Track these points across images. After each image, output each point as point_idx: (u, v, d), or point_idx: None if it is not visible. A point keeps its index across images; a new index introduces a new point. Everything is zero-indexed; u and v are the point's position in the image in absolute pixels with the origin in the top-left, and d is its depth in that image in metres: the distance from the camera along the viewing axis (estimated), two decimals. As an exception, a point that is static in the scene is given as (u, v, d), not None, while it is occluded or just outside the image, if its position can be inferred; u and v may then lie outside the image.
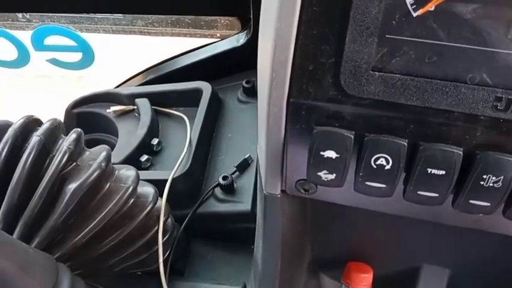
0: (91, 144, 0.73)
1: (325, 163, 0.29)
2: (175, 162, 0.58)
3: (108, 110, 0.68)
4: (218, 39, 0.74)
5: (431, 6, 0.24)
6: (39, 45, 0.73)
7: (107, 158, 0.45)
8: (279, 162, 0.33)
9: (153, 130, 0.64)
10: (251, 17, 0.63)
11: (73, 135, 0.45)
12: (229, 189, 0.56)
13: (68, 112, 0.71)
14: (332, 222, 0.44)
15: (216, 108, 0.67)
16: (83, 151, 0.46)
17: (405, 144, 0.27)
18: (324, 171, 0.30)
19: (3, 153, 0.43)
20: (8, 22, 0.78)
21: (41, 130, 0.44)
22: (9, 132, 0.44)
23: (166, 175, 0.55)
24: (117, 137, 0.67)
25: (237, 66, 0.69)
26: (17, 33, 0.74)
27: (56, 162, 0.43)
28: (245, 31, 0.68)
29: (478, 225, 0.32)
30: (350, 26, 0.25)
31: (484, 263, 0.44)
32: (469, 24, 0.24)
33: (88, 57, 0.75)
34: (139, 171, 0.58)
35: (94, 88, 0.72)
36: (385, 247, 0.47)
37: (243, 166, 0.58)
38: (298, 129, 0.29)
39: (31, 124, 0.45)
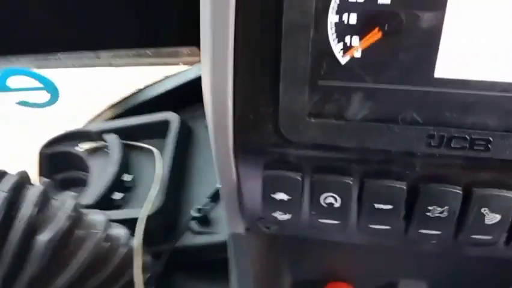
0: (66, 182, 0.74)
1: (278, 205, 0.30)
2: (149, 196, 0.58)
3: (78, 148, 0.68)
4: (185, 67, 0.74)
5: (354, 52, 0.25)
6: (2, 87, 0.73)
7: (75, 207, 0.45)
8: (236, 204, 0.33)
9: (124, 166, 0.64)
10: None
11: (39, 186, 0.45)
12: (204, 221, 0.56)
13: (41, 153, 0.70)
14: (305, 250, 0.45)
15: (185, 138, 0.67)
16: (50, 201, 0.46)
17: (350, 182, 0.28)
18: (279, 212, 0.31)
19: (-32, 213, 0.43)
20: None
21: (6, 185, 0.44)
22: (-28, 191, 0.43)
23: (139, 213, 0.55)
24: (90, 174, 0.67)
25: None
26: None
27: (24, 216, 0.43)
28: (208, 59, 0.68)
29: (436, 248, 0.33)
30: (282, 77, 0.25)
31: (458, 275, 0.45)
32: (396, 66, 0.25)
33: (53, 95, 0.75)
34: (112, 211, 0.59)
35: (64, 124, 0.72)
36: (362, 266, 0.48)
37: (216, 196, 0.58)
38: (248, 173, 0.30)
39: (-6, 179, 0.45)
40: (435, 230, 0.28)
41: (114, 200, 0.61)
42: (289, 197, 0.29)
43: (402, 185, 0.27)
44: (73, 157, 0.69)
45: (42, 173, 0.73)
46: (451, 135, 0.25)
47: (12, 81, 0.76)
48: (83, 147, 0.68)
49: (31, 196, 0.44)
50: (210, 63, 0.26)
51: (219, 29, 0.25)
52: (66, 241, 0.45)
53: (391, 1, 0.23)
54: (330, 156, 0.28)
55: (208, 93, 0.27)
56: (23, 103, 0.84)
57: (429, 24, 0.23)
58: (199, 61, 0.77)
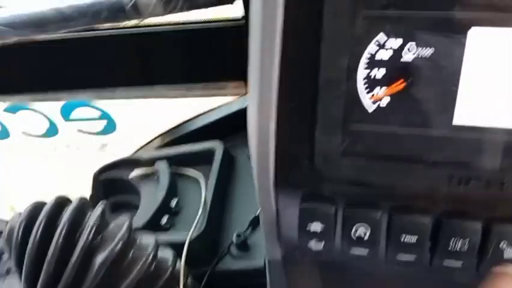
0: (118, 206, 0.79)
1: (312, 234, 0.33)
2: (194, 221, 0.62)
3: (130, 176, 0.74)
4: (230, 98, 0.80)
5: (381, 101, 0.28)
6: (67, 117, 0.82)
7: (129, 229, 0.50)
8: (275, 232, 0.37)
9: (172, 191, 0.69)
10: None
11: (98, 211, 0.50)
12: (243, 246, 0.59)
13: (95, 179, 0.77)
14: (339, 276, 0.47)
15: (228, 166, 0.71)
16: (108, 224, 0.51)
17: (379, 215, 0.31)
18: (313, 241, 0.34)
19: (38, 233, 0.48)
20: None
21: (70, 209, 0.50)
22: (42, 214, 0.49)
23: (184, 236, 0.59)
24: (140, 199, 0.73)
25: (246, 124, 0.74)
26: (45, 108, 0.83)
27: (85, 238, 0.48)
28: (251, 93, 0.73)
29: (460, 279, 0.35)
30: (318, 122, 0.29)
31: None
32: (418, 113, 0.28)
33: (110, 125, 0.82)
34: (160, 233, 0.63)
35: (119, 151, 0.79)
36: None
37: (256, 222, 0.61)
38: (286, 205, 0.34)
39: (61, 204, 0.51)
40: (458, 261, 0.31)
41: (162, 223, 0.65)
42: (323, 228, 0.32)
43: (427, 220, 0.30)
44: (125, 183, 0.75)
45: (95, 196, 0.79)
46: (469, 176, 0.28)
47: (75, 112, 0.85)
48: (134, 173, 0.73)
49: (91, 220, 0.50)
50: (256, 109, 0.30)
51: (266, 84, 0.29)
52: (119, 260, 0.50)
53: (413, 59, 0.26)
54: (361, 191, 0.31)
55: (254, 134, 0.31)
56: (81, 131, 0.93)
57: (447, 78, 0.26)
58: (244, 94, 0.82)
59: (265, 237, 0.38)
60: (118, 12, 0.46)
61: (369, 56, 0.27)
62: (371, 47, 0.27)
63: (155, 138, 0.82)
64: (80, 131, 0.85)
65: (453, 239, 0.29)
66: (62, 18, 0.46)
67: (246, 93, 0.75)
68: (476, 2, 0.25)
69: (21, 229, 0.50)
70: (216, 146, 0.71)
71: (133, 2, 0.44)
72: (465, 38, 0.25)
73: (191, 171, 0.71)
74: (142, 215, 0.66)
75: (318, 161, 0.30)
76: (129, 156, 0.77)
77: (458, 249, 0.30)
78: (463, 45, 0.26)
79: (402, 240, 0.30)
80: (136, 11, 0.46)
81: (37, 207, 0.51)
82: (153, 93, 0.77)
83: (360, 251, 0.32)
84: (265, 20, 0.27)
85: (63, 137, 0.87)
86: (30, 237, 0.48)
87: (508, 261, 0.29)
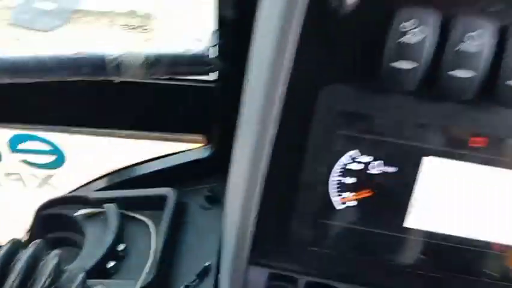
0: (58, 242, 0.77)
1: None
2: (141, 267, 0.63)
3: (76, 214, 0.72)
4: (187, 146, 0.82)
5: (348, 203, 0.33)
6: (14, 148, 0.79)
7: (83, 281, 0.50)
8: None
9: (119, 236, 0.68)
10: (214, 135, 0.72)
11: (53, 261, 0.49)
12: (191, 298, 0.61)
13: (38, 214, 0.74)
14: None
15: (179, 215, 0.73)
16: (62, 272, 0.51)
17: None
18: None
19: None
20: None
21: (24, 257, 0.48)
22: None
23: (131, 285, 0.59)
24: (84, 238, 0.71)
25: (200, 175, 0.76)
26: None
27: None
28: (209, 145, 0.77)
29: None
30: (294, 216, 0.33)
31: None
32: (375, 217, 0.33)
33: (59, 159, 0.80)
34: (106, 280, 0.63)
35: (63, 187, 0.77)
36: None
37: (203, 274, 0.64)
38: (255, 282, 0.37)
39: (15, 250, 0.49)
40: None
41: (107, 268, 0.65)
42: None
43: None
44: (69, 220, 0.73)
45: (34, 230, 0.76)
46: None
47: (23, 144, 0.82)
48: (81, 212, 0.72)
49: (46, 270, 0.49)
50: (242, 196, 0.33)
51: (253, 178, 0.33)
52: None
53: (381, 173, 0.32)
54: (320, 275, 0.35)
55: (237, 214, 0.34)
56: (26, 162, 0.89)
57: (403, 193, 0.32)
58: (202, 145, 0.84)
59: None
60: (98, 70, 0.47)
61: (342, 166, 0.32)
62: (345, 159, 0.32)
63: (103, 176, 0.82)
64: (24, 162, 0.82)
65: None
66: (42, 68, 0.47)
67: (204, 144, 0.77)
68: (432, 138, 0.30)
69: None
70: (168, 194, 0.73)
71: (117, 62, 0.47)
72: (420, 164, 0.31)
73: (141, 216, 0.72)
74: (87, 258, 0.66)
75: (291, 246, 0.34)
76: (76, 193, 0.76)
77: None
78: (417, 169, 0.31)
79: None
80: (117, 71, 0.48)
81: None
82: (109, 132, 0.77)
83: None
84: (260, 132, 0.31)
85: (6, 166, 0.83)
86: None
87: None
